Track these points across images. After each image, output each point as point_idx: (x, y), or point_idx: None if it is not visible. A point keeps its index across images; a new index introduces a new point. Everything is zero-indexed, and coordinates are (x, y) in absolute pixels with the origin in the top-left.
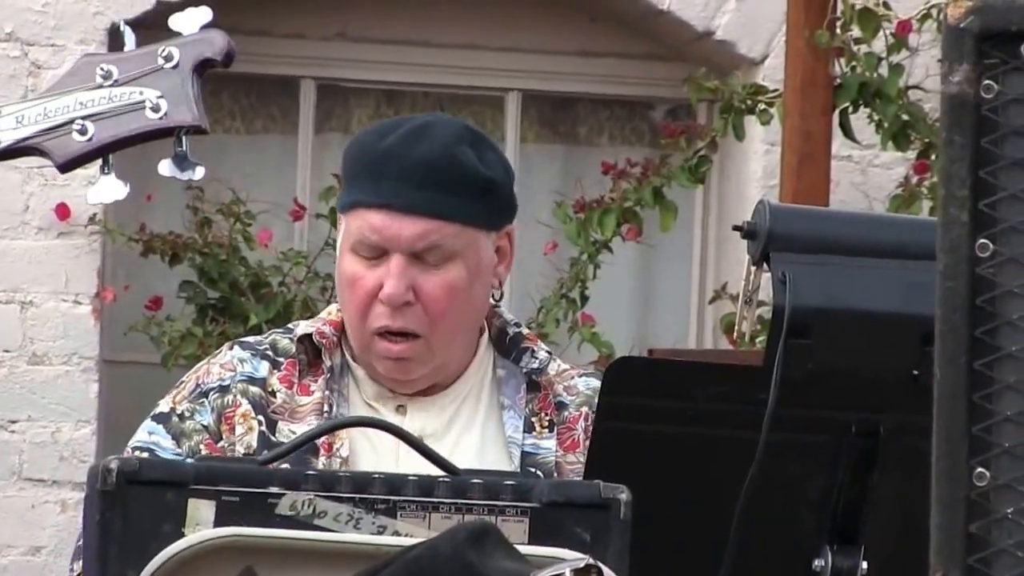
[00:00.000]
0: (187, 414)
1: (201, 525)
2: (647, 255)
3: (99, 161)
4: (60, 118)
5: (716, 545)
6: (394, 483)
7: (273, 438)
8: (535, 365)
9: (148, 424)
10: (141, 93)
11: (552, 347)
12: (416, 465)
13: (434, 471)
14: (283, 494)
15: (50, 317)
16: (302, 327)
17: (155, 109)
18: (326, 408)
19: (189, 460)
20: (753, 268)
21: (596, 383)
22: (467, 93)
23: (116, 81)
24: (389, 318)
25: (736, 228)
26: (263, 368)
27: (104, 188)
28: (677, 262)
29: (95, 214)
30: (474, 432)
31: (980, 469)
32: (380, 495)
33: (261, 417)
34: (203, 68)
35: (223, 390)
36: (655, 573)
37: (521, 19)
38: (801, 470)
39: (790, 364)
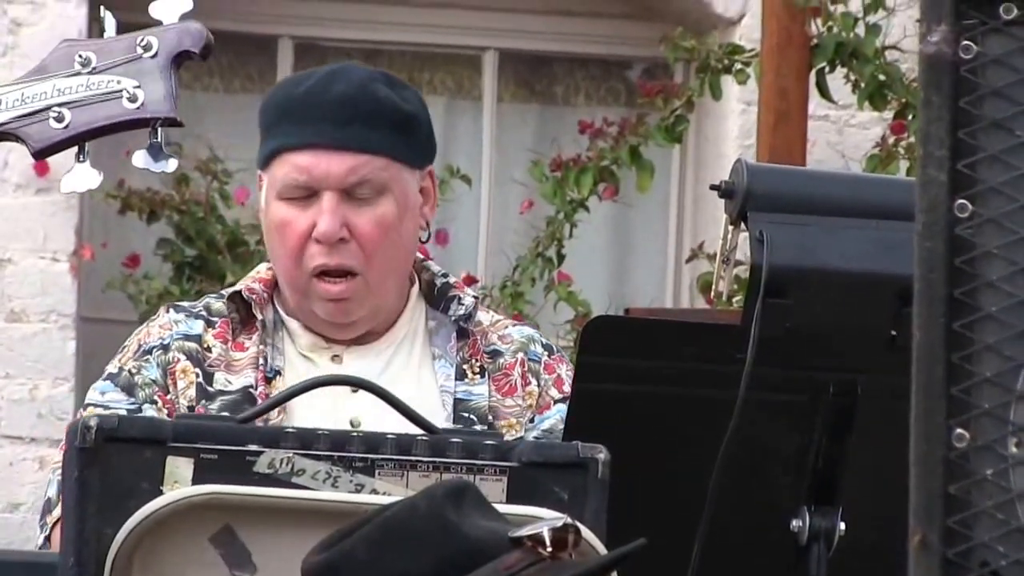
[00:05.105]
0: (134, 371)
1: (179, 483)
2: (624, 214)
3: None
4: (37, 104)
5: (694, 505)
6: (372, 441)
7: (210, 388)
8: (462, 312)
9: (99, 384)
10: (119, 82)
11: (528, 306)
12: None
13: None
14: (261, 452)
15: (28, 274)
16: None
17: (132, 99)
18: (261, 362)
19: (168, 418)
20: (731, 227)
21: (529, 331)
22: (444, 52)
23: (94, 69)
24: (326, 256)
25: (714, 187)
26: (198, 326)
27: (78, 176)
28: (654, 221)
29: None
30: (408, 381)
31: (959, 430)
32: (358, 453)
33: (198, 370)
34: (181, 60)
35: (164, 348)
36: (632, 532)
37: None
38: (779, 430)
39: (768, 323)
